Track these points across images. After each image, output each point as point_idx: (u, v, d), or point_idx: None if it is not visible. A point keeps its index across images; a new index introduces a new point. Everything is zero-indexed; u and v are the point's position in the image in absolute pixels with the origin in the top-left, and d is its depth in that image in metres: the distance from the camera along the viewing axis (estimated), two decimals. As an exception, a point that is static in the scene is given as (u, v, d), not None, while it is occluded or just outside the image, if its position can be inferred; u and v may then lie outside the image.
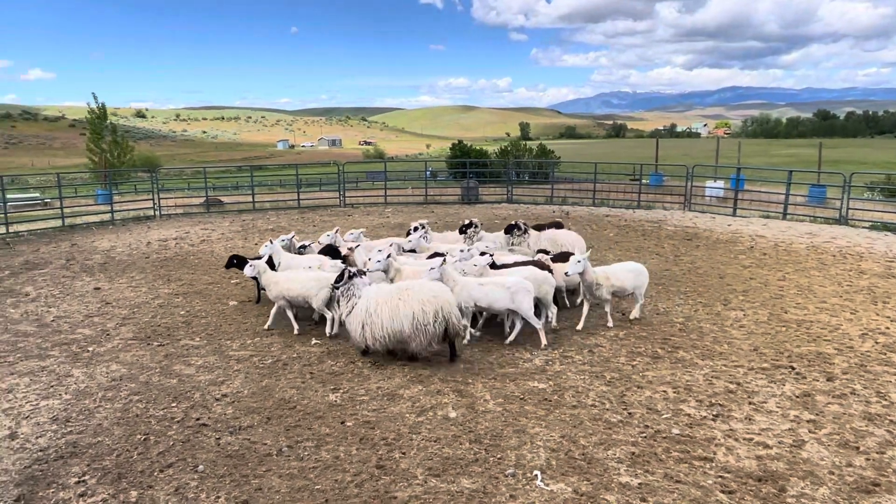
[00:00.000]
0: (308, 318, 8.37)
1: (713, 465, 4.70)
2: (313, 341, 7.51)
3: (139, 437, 5.18)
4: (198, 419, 5.49)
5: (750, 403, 5.74)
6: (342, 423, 5.40)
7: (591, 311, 8.08)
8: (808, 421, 5.39)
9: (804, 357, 6.88)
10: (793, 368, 6.57)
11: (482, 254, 8.23)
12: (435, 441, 5.06)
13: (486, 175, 30.26)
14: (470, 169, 27.77)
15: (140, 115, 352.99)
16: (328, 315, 7.75)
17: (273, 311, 8.11)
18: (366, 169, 45.68)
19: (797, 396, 5.88)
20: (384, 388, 6.12)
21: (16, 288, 10.40)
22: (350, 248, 8.62)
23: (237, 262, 8.80)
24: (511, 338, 7.42)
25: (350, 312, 6.77)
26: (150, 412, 5.65)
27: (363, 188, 31.74)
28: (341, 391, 6.07)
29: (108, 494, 4.35)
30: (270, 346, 7.40)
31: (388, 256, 7.74)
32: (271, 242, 8.89)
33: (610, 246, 13.77)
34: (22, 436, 5.21)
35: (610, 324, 7.94)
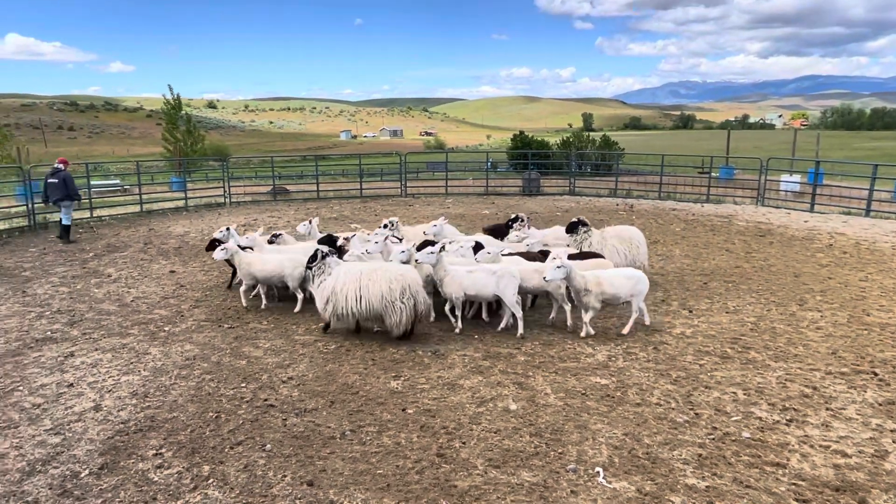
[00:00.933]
0: (288, 297, 8.89)
1: (786, 471, 4.50)
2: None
3: (211, 414, 5.41)
4: (265, 400, 5.69)
5: (827, 409, 5.46)
6: (403, 410, 5.47)
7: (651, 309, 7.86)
8: (892, 430, 5.08)
9: (888, 363, 6.48)
10: (875, 374, 6.19)
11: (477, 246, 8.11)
12: (495, 432, 5.05)
13: (548, 166, 29.89)
14: (531, 160, 27.47)
15: (211, 105, 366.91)
16: (299, 295, 8.41)
17: (242, 289, 8.67)
18: (427, 159, 45.93)
19: (880, 404, 5.55)
20: (444, 378, 6.16)
21: (99, 269, 11.04)
22: (346, 238, 8.88)
23: (213, 245, 9.14)
24: (502, 325, 7.59)
25: (318, 288, 7.24)
26: (221, 391, 5.88)
27: (423, 178, 31.95)
28: (402, 379, 6.15)
29: (183, 468, 4.57)
30: (334, 331, 7.56)
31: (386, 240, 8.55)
32: (227, 229, 9.62)
33: (676, 241, 13.35)
34: (105, 408, 5.53)
35: (583, 333, 7.27)
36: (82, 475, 4.47)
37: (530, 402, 5.62)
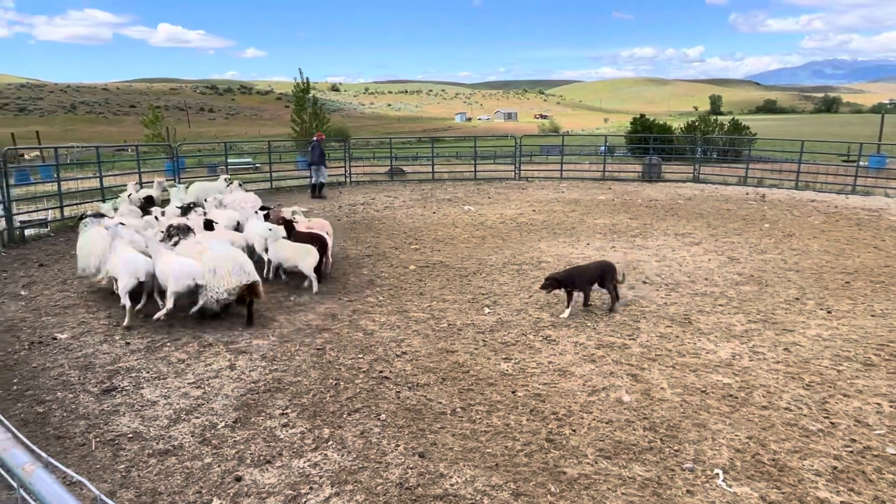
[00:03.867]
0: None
1: (940, 496, 4.04)
2: (486, 310, 7.69)
3: (331, 381, 5.73)
4: (381, 372, 5.93)
5: None
6: (513, 392, 5.49)
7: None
8: None
9: None
10: None
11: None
12: (607, 423, 4.94)
13: (670, 152, 28.41)
14: (652, 145, 26.24)
15: (334, 88, 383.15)
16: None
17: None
18: (542, 142, 45.27)
19: None
20: (555, 364, 6.10)
21: (234, 240, 11.94)
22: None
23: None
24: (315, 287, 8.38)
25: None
26: (340, 360, 6.21)
27: (538, 162, 31.52)
28: (512, 361, 6.16)
29: (305, 428, 4.88)
30: (445, 311, 7.71)
31: None
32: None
33: (815, 235, 12.26)
34: (238, 368, 6.02)
35: None
36: (219, 426, 4.91)
37: (645, 395, 5.43)
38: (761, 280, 9.06)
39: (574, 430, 4.84)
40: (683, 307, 7.83)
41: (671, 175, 22.24)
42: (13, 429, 1.54)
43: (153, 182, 13.85)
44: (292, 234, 8.90)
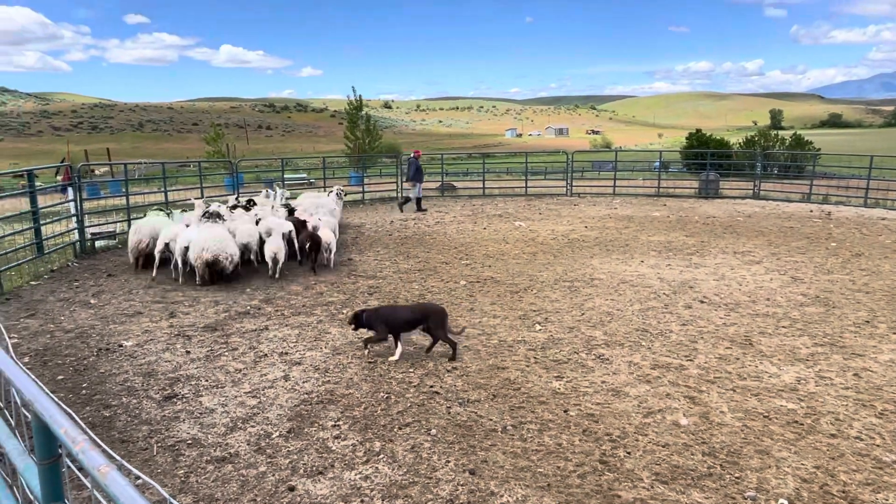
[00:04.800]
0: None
1: None
2: (538, 327, 7.61)
3: (382, 394, 5.76)
4: (431, 386, 5.93)
5: None
6: (565, 411, 5.40)
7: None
8: None
9: None
10: None
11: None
12: (663, 446, 4.79)
13: (728, 167, 27.61)
14: (709, 160, 25.57)
15: (387, 105, 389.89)
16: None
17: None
18: (594, 158, 44.76)
19: None
20: (609, 383, 5.97)
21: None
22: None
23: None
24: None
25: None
26: (391, 374, 6.25)
27: (589, 178, 31.18)
28: (564, 380, 6.07)
29: (357, 441, 4.92)
30: (496, 327, 7.67)
31: None
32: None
33: (886, 254, 11.65)
34: (293, 378, 6.14)
35: None
36: (273, 436, 5.01)
37: (703, 418, 5.25)
38: (828, 301, 8.65)
39: (629, 453, 4.71)
40: (744, 328, 7.55)
41: (729, 191, 21.60)
42: (90, 431, 1.61)
43: (264, 191, 15.08)
44: (300, 230, 11.07)
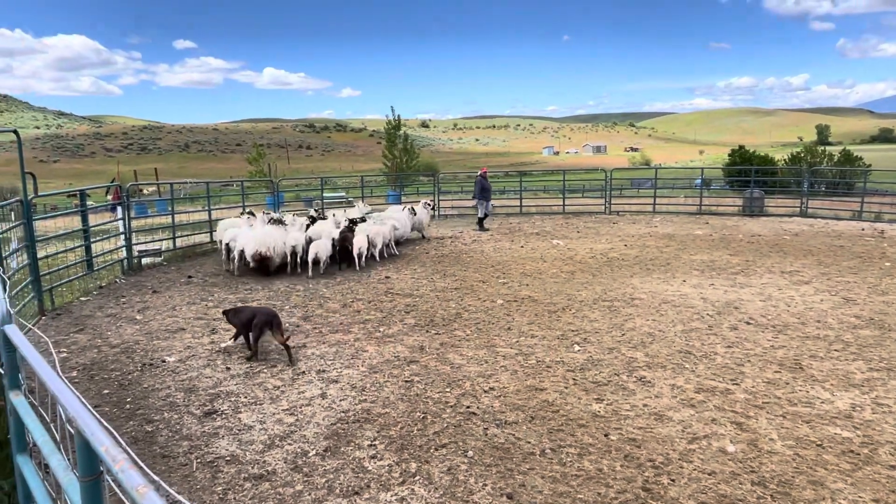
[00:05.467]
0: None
1: None
2: (576, 348, 7.47)
3: (418, 414, 5.72)
4: (468, 407, 5.86)
5: None
6: (606, 435, 5.25)
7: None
8: None
9: None
10: None
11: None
12: (709, 474, 4.61)
13: (773, 185, 26.87)
14: (753, 177, 24.95)
15: (424, 125, 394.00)
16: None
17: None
18: (633, 176, 44.22)
19: None
20: (651, 407, 5.79)
21: (327, 271, 12.38)
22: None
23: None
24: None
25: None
26: (427, 393, 6.20)
27: (628, 195, 30.76)
28: (605, 402, 5.92)
29: (393, 461, 4.88)
30: (534, 347, 7.56)
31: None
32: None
33: (945, 275, 11.09)
34: (330, 397, 6.15)
35: None
36: (310, 454, 5.01)
37: (752, 446, 5.03)
38: (883, 324, 8.26)
39: (673, 480, 4.54)
40: (793, 351, 7.26)
41: (775, 209, 21.01)
42: (129, 450, 1.62)
43: (359, 204, 16.69)
44: (347, 234, 12.69)
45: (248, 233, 12.02)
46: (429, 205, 16.85)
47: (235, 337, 7.53)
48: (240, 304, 8.88)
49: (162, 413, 5.84)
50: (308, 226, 13.28)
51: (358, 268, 12.34)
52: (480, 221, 18.17)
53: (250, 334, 7.27)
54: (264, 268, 11.83)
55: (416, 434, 5.33)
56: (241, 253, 11.83)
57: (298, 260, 12.26)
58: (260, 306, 8.08)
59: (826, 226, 17.75)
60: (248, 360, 7.22)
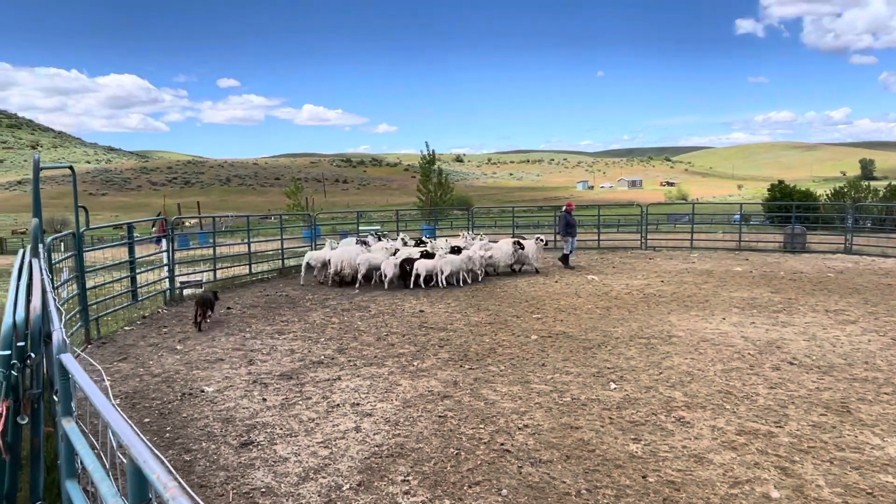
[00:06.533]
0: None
1: None
2: (612, 385, 7.35)
3: (452, 450, 5.68)
4: (502, 444, 5.80)
5: None
6: (643, 477, 5.13)
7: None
8: None
9: None
10: None
11: None
12: (752, 521, 4.45)
13: (816, 220, 26.25)
14: (794, 213, 24.42)
15: (458, 159, 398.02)
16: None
17: None
18: (669, 211, 43.73)
19: None
20: (690, 448, 5.64)
21: (362, 304, 12.52)
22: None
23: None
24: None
25: None
26: (461, 429, 6.17)
27: (665, 231, 30.38)
28: (642, 443, 5.79)
29: (426, 498, 4.85)
30: (569, 384, 7.47)
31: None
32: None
33: None
34: (364, 430, 6.17)
35: None
36: (344, 488, 5.02)
37: (797, 492, 4.85)
38: (937, 367, 7.91)
39: (714, 526, 4.40)
40: (840, 393, 7.01)
41: (817, 246, 20.47)
42: (179, 479, 1.68)
43: (469, 235, 18.32)
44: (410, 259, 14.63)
45: (331, 252, 15.03)
46: (541, 240, 16.98)
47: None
48: (275, 333, 9.73)
49: (200, 443, 5.94)
50: (397, 251, 15.45)
51: (412, 286, 14.17)
52: (565, 258, 17.54)
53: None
54: (341, 280, 14.84)
55: (450, 470, 5.29)
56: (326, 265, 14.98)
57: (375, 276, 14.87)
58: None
59: (872, 263, 17.20)
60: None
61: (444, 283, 14.35)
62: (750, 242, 21.59)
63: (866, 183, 43.36)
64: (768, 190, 41.55)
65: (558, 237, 18.44)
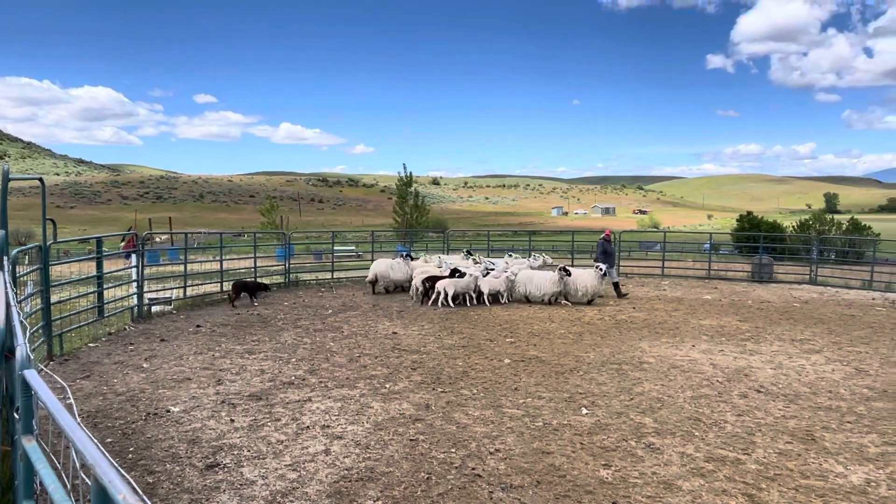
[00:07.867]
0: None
1: None
2: (584, 411, 7.38)
3: (423, 474, 5.63)
4: (473, 469, 5.76)
5: None
6: (614, 502, 5.14)
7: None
8: None
9: None
10: None
11: None
12: (720, 548, 4.48)
13: (782, 251, 26.91)
14: (762, 243, 25.02)
15: (435, 182, 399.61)
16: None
17: None
18: (641, 238, 44.41)
19: None
20: (659, 475, 5.68)
21: (335, 325, 12.41)
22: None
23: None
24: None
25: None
26: (432, 453, 6.11)
27: (636, 258, 30.80)
28: (613, 468, 5.81)
29: (396, 523, 4.78)
30: (541, 408, 7.48)
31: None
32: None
33: (959, 348, 10.94)
34: (333, 453, 6.08)
35: None
36: (312, 513, 4.92)
37: (764, 519, 4.90)
38: (897, 396, 8.12)
39: (682, 553, 4.41)
40: (805, 421, 7.14)
41: (784, 276, 20.97)
42: (146, 499, 1.65)
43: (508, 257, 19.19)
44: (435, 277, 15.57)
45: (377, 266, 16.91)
46: (600, 269, 15.22)
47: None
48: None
49: (164, 464, 5.78)
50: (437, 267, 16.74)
51: (429, 304, 14.94)
52: (616, 286, 16.71)
53: None
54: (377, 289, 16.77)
55: (420, 495, 5.24)
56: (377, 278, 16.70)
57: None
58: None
59: (836, 294, 17.67)
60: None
61: (468, 302, 15.19)
62: (719, 271, 22.02)
63: (830, 216, 44.68)
64: (737, 220, 42.53)
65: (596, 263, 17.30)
